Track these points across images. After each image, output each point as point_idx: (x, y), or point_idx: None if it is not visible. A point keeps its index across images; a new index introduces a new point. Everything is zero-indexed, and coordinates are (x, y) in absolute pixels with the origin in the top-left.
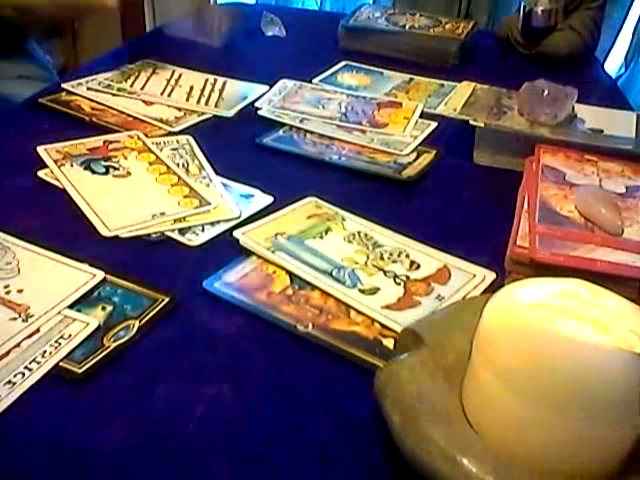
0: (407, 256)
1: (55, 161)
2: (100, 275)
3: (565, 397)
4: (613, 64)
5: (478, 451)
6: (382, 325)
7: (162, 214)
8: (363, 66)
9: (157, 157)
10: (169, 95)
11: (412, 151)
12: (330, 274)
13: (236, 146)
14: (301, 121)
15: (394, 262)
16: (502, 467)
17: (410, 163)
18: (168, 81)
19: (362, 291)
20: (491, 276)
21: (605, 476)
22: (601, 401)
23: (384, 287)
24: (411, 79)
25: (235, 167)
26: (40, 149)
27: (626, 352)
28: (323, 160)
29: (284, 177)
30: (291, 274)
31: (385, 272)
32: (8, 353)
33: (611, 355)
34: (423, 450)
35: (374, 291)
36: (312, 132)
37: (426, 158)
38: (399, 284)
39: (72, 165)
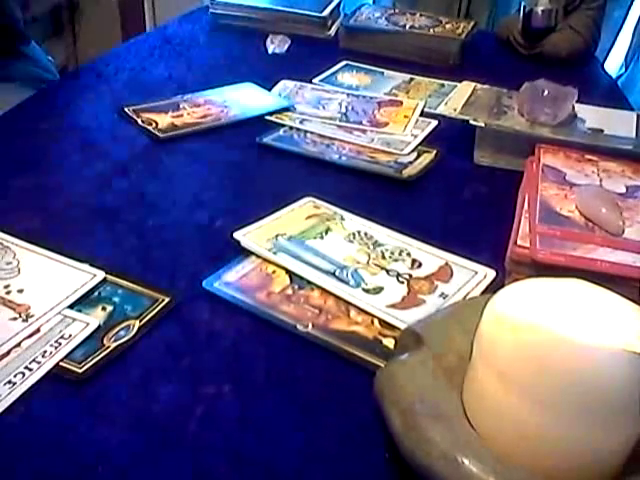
0: (408, 254)
1: None
2: (100, 275)
3: (565, 397)
4: (613, 64)
5: (478, 452)
6: (386, 324)
7: None
8: (363, 66)
9: None
10: None
11: (413, 150)
12: (333, 274)
13: (236, 146)
14: (301, 122)
15: (395, 261)
16: (503, 468)
17: (411, 162)
18: None
19: (366, 291)
20: (492, 274)
21: (606, 476)
22: (601, 401)
23: (388, 286)
24: (411, 79)
25: (235, 167)
26: None
27: (627, 352)
28: (323, 160)
29: (284, 177)
30: (291, 274)
31: (387, 271)
32: (8, 353)
33: (611, 355)
34: (423, 451)
35: (378, 290)
36: (312, 132)
37: (426, 158)
38: (402, 283)
39: None
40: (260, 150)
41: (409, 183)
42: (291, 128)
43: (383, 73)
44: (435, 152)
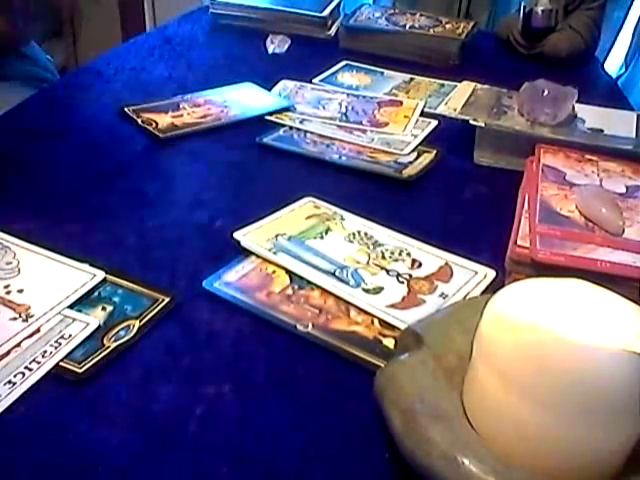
0: (408, 254)
1: None
2: (100, 275)
3: (565, 397)
4: (613, 64)
5: (479, 451)
6: (386, 324)
7: None
8: (363, 66)
9: None
10: None
11: (413, 150)
12: (333, 274)
13: (236, 146)
14: (301, 122)
15: (395, 261)
16: (503, 468)
17: (411, 162)
18: None
19: (366, 290)
20: (492, 274)
21: (606, 476)
22: (601, 401)
23: (388, 286)
24: (411, 79)
25: (235, 167)
26: None
27: (626, 352)
28: (323, 160)
29: (284, 177)
30: (291, 274)
31: (388, 271)
32: (8, 353)
33: (611, 355)
34: (423, 451)
35: (378, 290)
36: (312, 132)
37: (427, 158)
38: (402, 283)
39: None
40: (260, 150)
41: (409, 183)
42: (291, 128)
43: (383, 73)
44: (435, 152)
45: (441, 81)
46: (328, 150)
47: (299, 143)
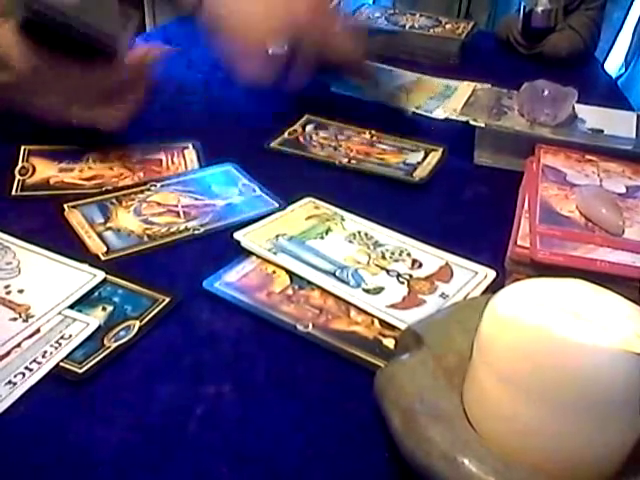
0: (409, 255)
1: None
2: (100, 275)
3: (565, 398)
4: (613, 64)
5: (479, 452)
6: (386, 324)
7: None
8: None
9: None
10: None
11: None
12: (334, 274)
13: (239, 147)
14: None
15: (396, 261)
16: (503, 467)
17: (419, 163)
18: None
19: (367, 291)
20: (492, 274)
21: (606, 475)
22: (601, 402)
23: (388, 286)
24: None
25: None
26: None
27: (627, 352)
28: (330, 163)
29: (288, 179)
30: (291, 274)
31: (388, 271)
32: (8, 353)
33: (612, 355)
34: (423, 451)
35: (379, 290)
36: (317, 134)
37: (434, 157)
38: (403, 283)
39: None
40: (265, 153)
41: (413, 185)
42: (295, 131)
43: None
44: (442, 150)
45: (442, 81)
46: (336, 153)
47: (305, 146)
